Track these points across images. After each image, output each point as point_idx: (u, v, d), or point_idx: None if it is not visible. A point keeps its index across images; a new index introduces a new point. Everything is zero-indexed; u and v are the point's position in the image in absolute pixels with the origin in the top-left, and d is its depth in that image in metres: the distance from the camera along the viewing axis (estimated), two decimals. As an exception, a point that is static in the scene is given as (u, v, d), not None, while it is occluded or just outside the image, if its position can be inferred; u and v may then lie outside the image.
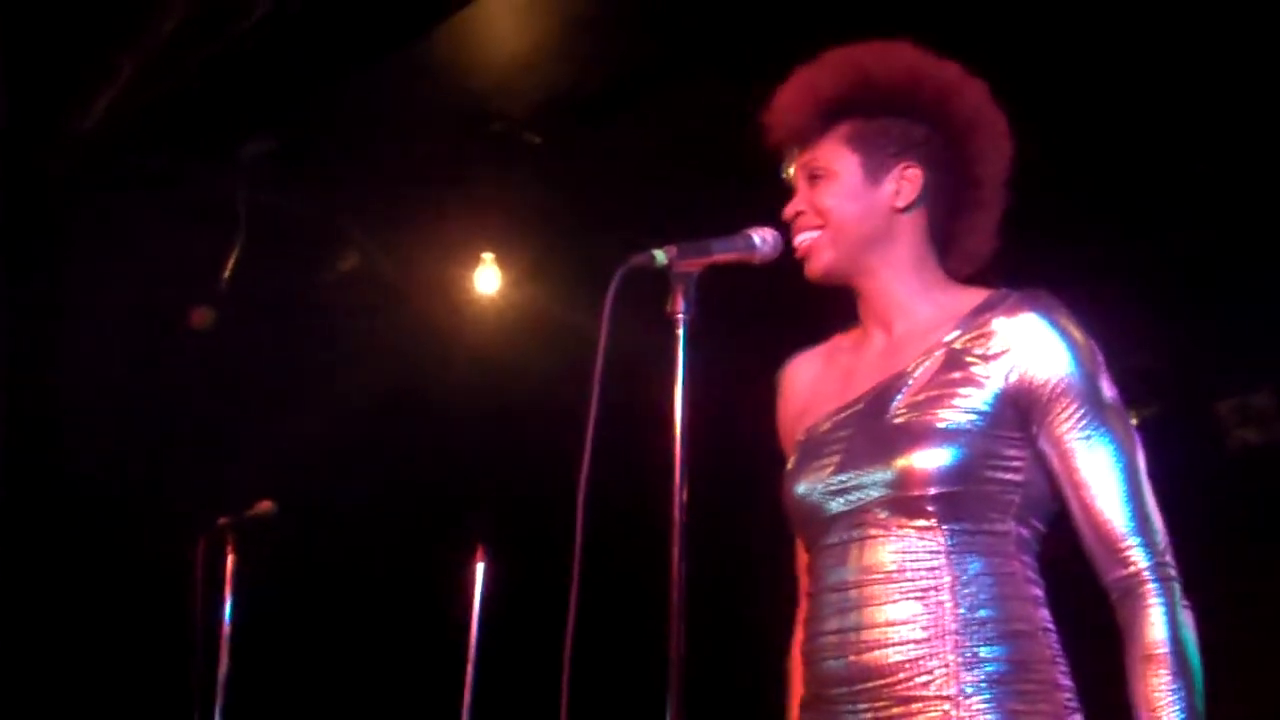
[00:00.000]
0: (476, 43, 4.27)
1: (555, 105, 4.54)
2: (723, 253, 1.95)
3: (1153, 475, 1.96)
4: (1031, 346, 1.95)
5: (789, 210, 2.10)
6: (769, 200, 2.15)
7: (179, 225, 4.78)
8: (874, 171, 2.06)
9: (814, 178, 2.08)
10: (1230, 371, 5.29)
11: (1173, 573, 1.92)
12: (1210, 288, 4.96)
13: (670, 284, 1.88)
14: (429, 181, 4.93)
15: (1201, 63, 3.94)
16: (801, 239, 2.08)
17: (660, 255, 1.89)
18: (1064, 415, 1.94)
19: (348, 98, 4.41)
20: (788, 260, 2.07)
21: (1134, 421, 2.02)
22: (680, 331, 1.86)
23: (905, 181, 2.07)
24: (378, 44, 4.13)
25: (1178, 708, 1.85)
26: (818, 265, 2.08)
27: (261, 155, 4.63)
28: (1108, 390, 1.97)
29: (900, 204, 2.07)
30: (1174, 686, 1.85)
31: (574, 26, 4.17)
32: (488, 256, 5.31)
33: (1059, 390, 1.94)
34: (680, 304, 1.87)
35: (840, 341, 2.21)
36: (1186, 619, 1.90)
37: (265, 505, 3.91)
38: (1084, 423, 1.94)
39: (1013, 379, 1.95)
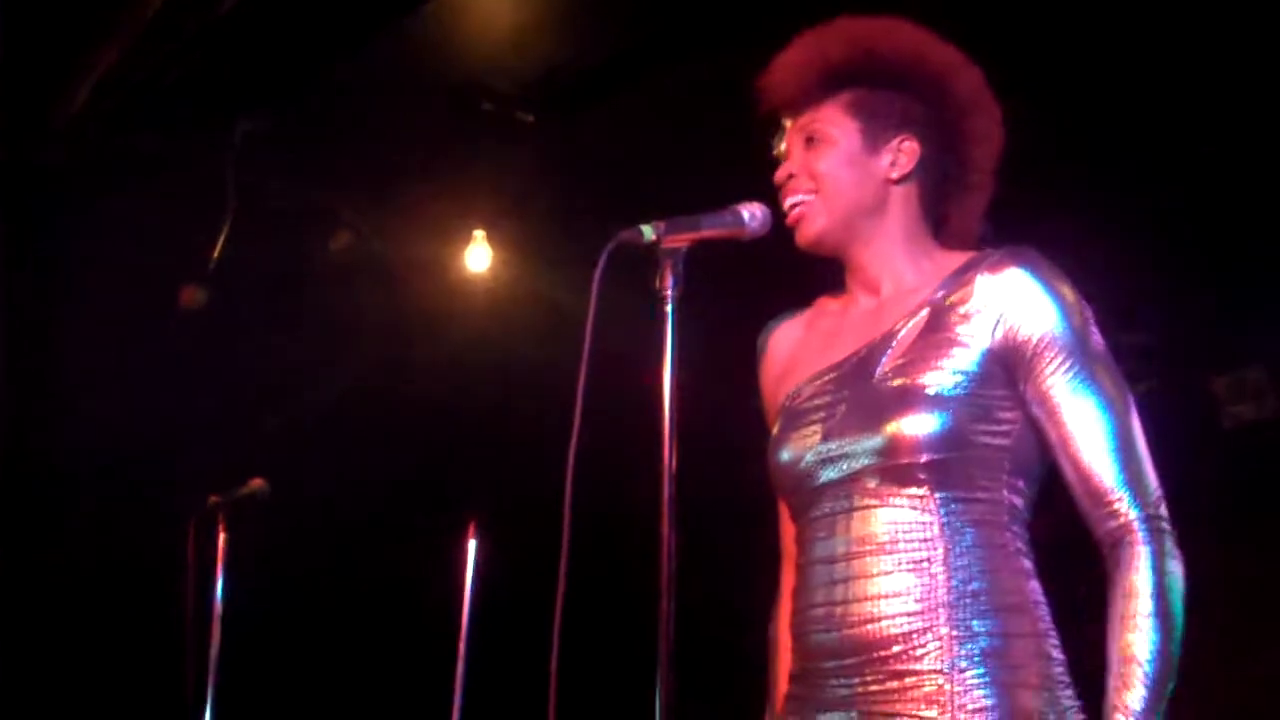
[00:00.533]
0: (467, 21, 4.25)
1: (546, 83, 4.52)
2: (711, 228, 1.93)
3: (1148, 450, 1.94)
4: (1016, 301, 1.94)
5: (781, 172, 2.08)
6: (761, 180, 2.14)
7: (168, 207, 4.76)
8: (872, 141, 2.05)
9: (811, 141, 2.07)
10: (1224, 347, 5.29)
11: (1165, 525, 1.90)
12: (1204, 263, 4.95)
13: (658, 259, 1.87)
14: (419, 160, 4.91)
15: (1207, 44, 3.93)
16: (793, 203, 2.06)
17: (648, 230, 1.87)
18: (1051, 368, 1.92)
19: (337, 76, 4.39)
20: (777, 235, 2.06)
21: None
22: (668, 307, 1.85)
23: (902, 154, 2.06)
24: (367, 22, 4.11)
25: (1150, 648, 1.82)
26: (810, 231, 2.06)
27: (251, 135, 4.62)
28: (1096, 343, 1.95)
29: (895, 175, 2.06)
30: (1150, 627, 1.83)
31: (565, 4, 4.15)
32: (478, 234, 5.29)
33: (1045, 343, 1.92)
34: (669, 279, 1.86)
35: (824, 305, 2.20)
36: (1173, 567, 1.88)
37: (257, 483, 3.90)
38: (1071, 375, 1.92)
39: (998, 335, 1.94)
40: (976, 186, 2.12)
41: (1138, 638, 1.83)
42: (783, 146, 2.12)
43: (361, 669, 5.84)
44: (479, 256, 5.32)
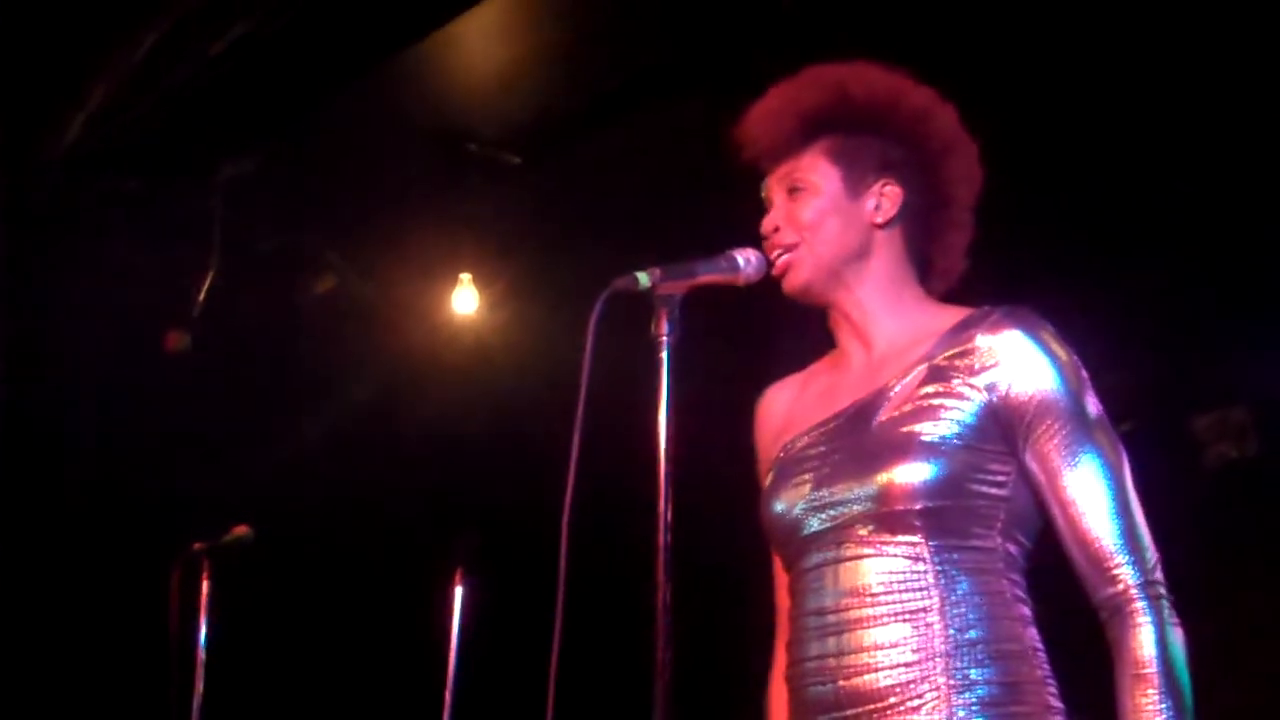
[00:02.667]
0: (454, 64, 4.26)
1: (533, 126, 4.53)
2: (707, 274, 1.93)
3: (1143, 514, 1.95)
4: (1014, 362, 1.94)
5: (767, 224, 2.08)
6: (751, 221, 2.14)
7: (155, 248, 4.75)
8: (855, 187, 2.06)
9: (794, 191, 2.07)
10: (1207, 386, 5.31)
11: (1163, 590, 1.90)
12: (1186, 302, 4.97)
13: (654, 306, 1.87)
14: (406, 202, 4.91)
15: (1183, 82, 3.96)
16: (780, 255, 2.06)
17: (644, 278, 1.87)
18: (1049, 432, 1.92)
19: (324, 120, 4.39)
20: (771, 281, 2.06)
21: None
22: (664, 354, 1.84)
23: (885, 198, 2.06)
24: (354, 65, 4.11)
25: None
26: (797, 280, 2.06)
27: (237, 178, 4.61)
28: (1093, 407, 1.95)
29: (880, 220, 2.06)
30: (1162, 705, 1.83)
31: (551, 48, 4.17)
32: (465, 277, 5.29)
33: (1043, 407, 1.92)
34: (664, 326, 1.85)
35: (817, 367, 2.20)
36: (1176, 637, 1.88)
37: (241, 530, 3.88)
38: (1069, 440, 1.91)
39: (996, 395, 1.93)
40: (959, 225, 2.12)
41: (1147, 711, 1.84)
42: (766, 197, 2.12)
43: (346, 716, 5.79)
44: (466, 299, 5.31)
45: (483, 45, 4.22)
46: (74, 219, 4.61)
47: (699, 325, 1.92)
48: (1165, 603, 1.89)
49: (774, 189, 2.10)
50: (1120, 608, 1.89)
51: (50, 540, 4.90)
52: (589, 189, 4.71)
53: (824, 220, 2.04)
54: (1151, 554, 1.91)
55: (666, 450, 1.81)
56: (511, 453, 5.31)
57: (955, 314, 2.04)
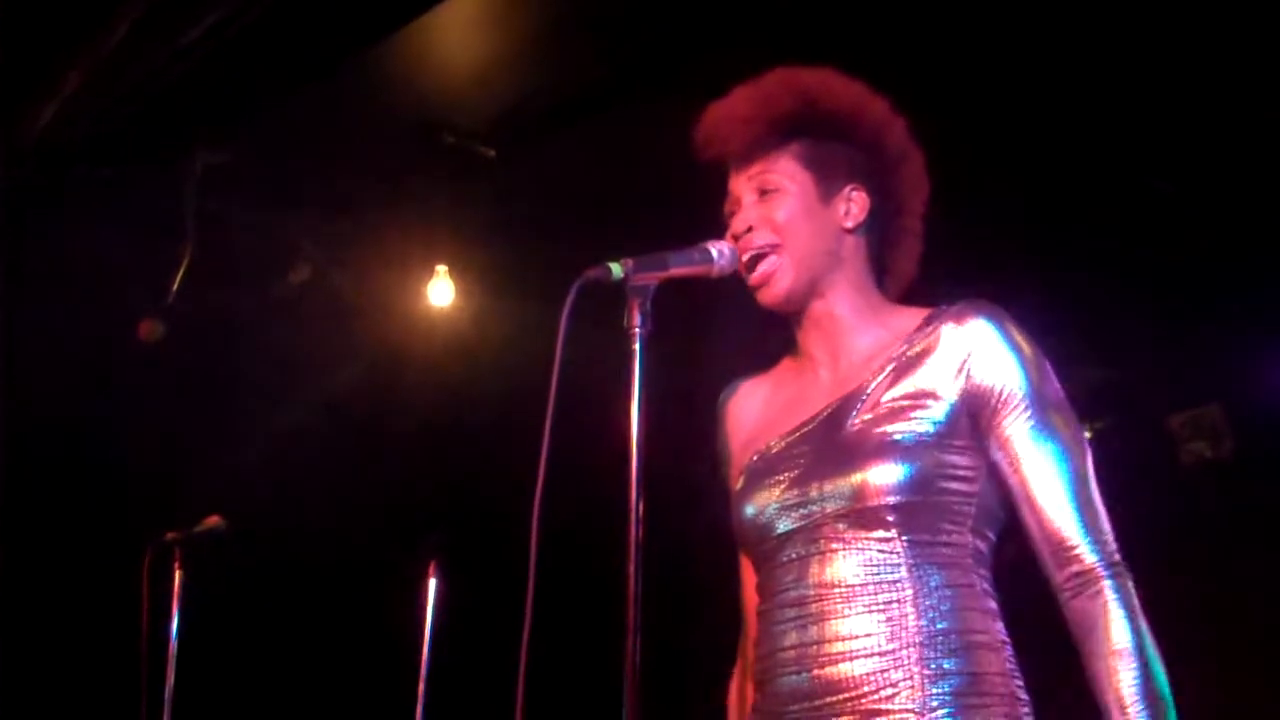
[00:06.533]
0: (430, 55, 4.25)
1: (508, 118, 4.52)
2: (680, 266, 1.93)
3: (1107, 489, 1.98)
4: (980, 350, 1.98)
5: (739, 224, 2.08)
6: (724, 215, 2.13)
7: (129, 237, 4.72)
8: (825, 191, 2.08)
9: (765, 193, 2.07)
10: (1182, 386, 5.33)
11: (1125, 569, 1.94)
12: (1160, 304, 4.99)
13: (626, 297, 1.86)
14: (381, 194, 4.89)
15: (1163, 82, 3.97)
16: (755, 255, 2.05)
17: (616, 268, 1.86)
18: (1011, 419, 1.96)
19: (299, 110, 4.37)
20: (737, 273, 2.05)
21: (1087, 434, 2.04)
22: (636, 346, 1.84)
23: (853, 203, 2.09)
24: (329, 56, 4.09)
25: (1148, 702, 1.85)
26: (779, 289, 2.06)
27: (212, 167, 4.59)
28: (1053, 392, 1.99)
29: (849, 224, 2.09)
30: (1143, 682, 1.86)
31: (526, 40, 4.16)
32: (441, 269, 5.28)
33: (1007, 395, 1.97)
34: (636, 317, 1.85)
35: (781, 371, 2.21)
36: (1140, 609, 1.92)
37: (213, 520, 3.87)
38: (1031, 426, 1.96)
39: (964, 385, 1.98)
40: (913, 232, 2.16)
41: (1132, 689, 1.87)
42: (734, 197, 2.12)
43: (317, 711, 5.77)
44: (441, 291, 5.30)
45: (459, 37, 4.21)
46: (46, 208, 4.58)
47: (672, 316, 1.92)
48: (1130, 580, 1.93)
49: (742, 189, 2.10)
50: (1086, 586, 1.93)
51: (19, 529, 4.87)
52: (564, 181, 4.71)
53: (799, 223, 2.06)
54: (1110, 534, 1.96)
55: (638, 441, 1.80)
56: (486, 445, 5.30)
57: (918, 313, 2.08)
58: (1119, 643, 1.88)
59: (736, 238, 2.07)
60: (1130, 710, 1.85)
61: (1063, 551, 1.93)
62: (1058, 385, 2.00)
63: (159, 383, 5.07)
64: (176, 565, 3.79)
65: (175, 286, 4.80)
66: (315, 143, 4.59)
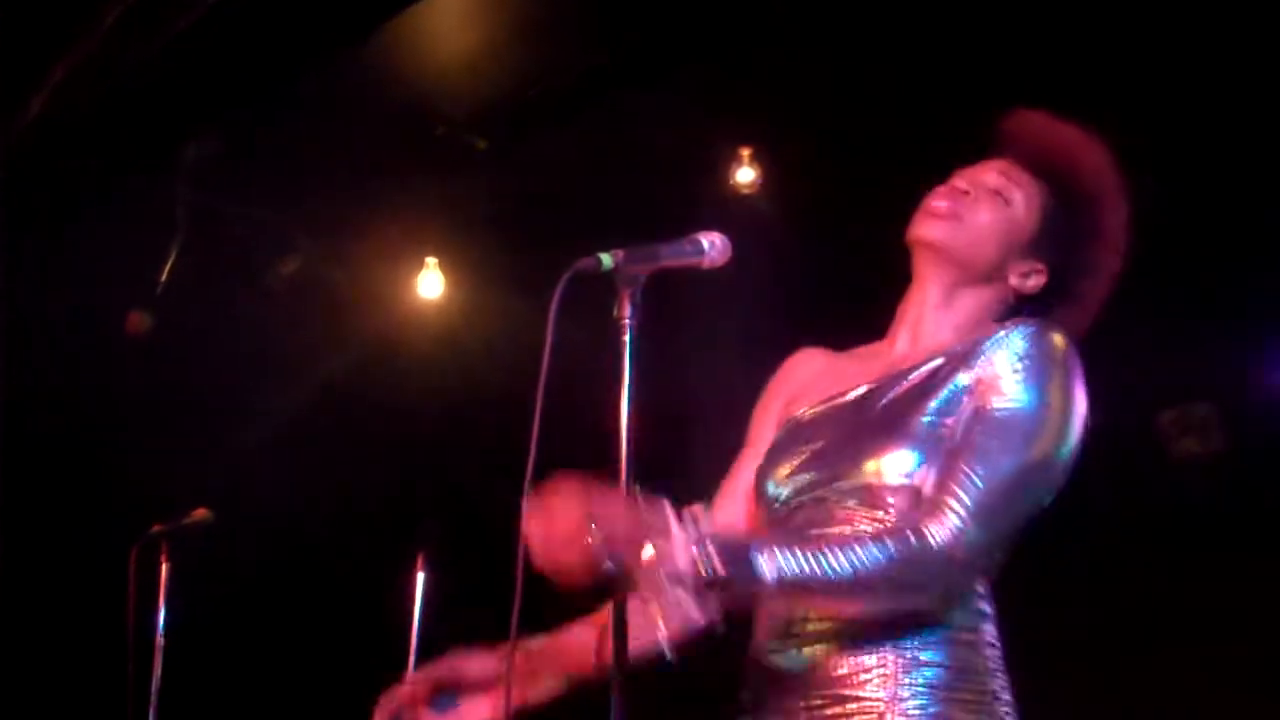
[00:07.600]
0: (421, 46, 4.24)
1: (499, 109, 4.51)
2: (671, 258, 1.91)
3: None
4: (1000, 356, 1.95)
5: (962, 179, 2.10)
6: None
7: (117, 229, 4.71)
8: (1032, 246, 2.09)
9: (998, 194, 2.09)
10: (1172, 382, 5.33)
11: (963, 555, 1.83)
12: (1152, 298, 4.98)
13: (617, 288, 1.84)
14: (372, 185, 4.88)
15: (1154, 78, 3.98)
16: (945, 206, 2.07)
17: (607, 259, 1.85)
18: (992, 403, 1.91)
19: (289, 101, 4.36)
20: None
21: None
22: (626, 337, 1.82)
23: (1029, 279, 2.09)
24: (320, 47, 4.08)
25: (856, 563, 1.78)
26: (940, 232, 2.07)
27: (201, 158, 4.57)
28: (1047, 414, 1.93)
29: (1013, 283, 2.09)
30: (874, 554, 1.78)
31: (518, 30, 4.15)
32: (431, 261, 5.27)
33: (991, 383, 1.93)
34: (627, 309, 1.83)
35: (860, 350, 2.21)
36: (939, 567, 1.82)
37: (201, 513, 3.85)
38: (994, 412, 1.91)
39: (978, 383, 1.95)
40: (1076, 315, 2.13)
41: (859, 552, 1.79)
42: (977, 172, 2.13)
43: (304, 703, 5.76)
44: (431, 283, 5.29)
45: (450, 27, 4.20)
46: (34, 200, 4.56)
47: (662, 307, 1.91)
48: (958, 557, 1.83)
49: (988, 173, 2.11)
50: (903, 521, 1.86)
51: (6, 522, 4.85)
52: (555, 172, 4.69)
53: (988, 238, 2.08)
54: (995, 542, 1.87)
55: (629, 432, 1.79)
56: (476, 437, 5.30)
57: (993, 327, 2.06)
58: (889, 538, 1.81)
59: (947, 185, 2.09)
60: (827, 548, 1.78)
61: (932, 497, 1.86)
62: (1064, 416, 1.94)
63: (150, 374, 5.05)
64: (164, 558, 3.78)
65: (164, 278, 4.79)
66: (305, 134, 4.57)
